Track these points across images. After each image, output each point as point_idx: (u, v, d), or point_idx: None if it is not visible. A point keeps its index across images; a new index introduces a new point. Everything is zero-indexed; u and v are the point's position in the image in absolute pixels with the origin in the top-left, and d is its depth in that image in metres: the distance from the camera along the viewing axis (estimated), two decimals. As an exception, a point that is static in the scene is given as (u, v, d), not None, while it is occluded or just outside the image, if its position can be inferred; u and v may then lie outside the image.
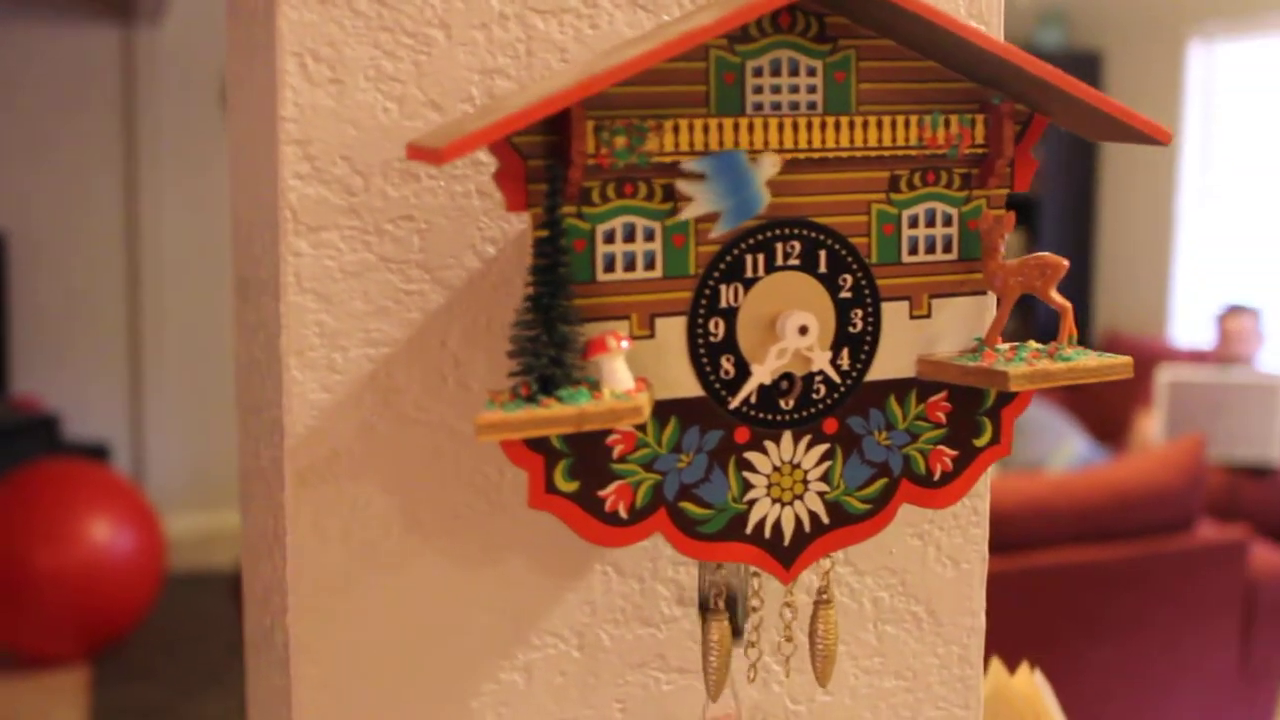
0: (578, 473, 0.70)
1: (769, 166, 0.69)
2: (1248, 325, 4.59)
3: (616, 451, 0.70)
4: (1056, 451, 4.25)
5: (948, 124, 0.73)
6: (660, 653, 0.84)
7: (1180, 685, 3.21)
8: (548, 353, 0.66)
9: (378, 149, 0.76)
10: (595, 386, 0.67)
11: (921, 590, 0.89)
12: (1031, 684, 1.11)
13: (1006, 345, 0.76)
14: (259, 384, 0.90)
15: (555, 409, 0.65)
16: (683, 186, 0.69)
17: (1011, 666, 1.11)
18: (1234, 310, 4.66)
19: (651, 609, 0.84)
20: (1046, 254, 0.75)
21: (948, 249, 0.75)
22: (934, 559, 0.89)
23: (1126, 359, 0.75)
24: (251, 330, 0.94)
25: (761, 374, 0.72)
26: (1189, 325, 5.47)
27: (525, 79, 0.78)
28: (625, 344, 0.67)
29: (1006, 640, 1.32)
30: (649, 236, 0.70)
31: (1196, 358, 4.76)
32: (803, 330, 0.71)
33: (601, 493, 0.70)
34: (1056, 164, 5.93)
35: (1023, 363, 0.73)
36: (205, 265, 5.82)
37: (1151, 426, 4.39)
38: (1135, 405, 4.65)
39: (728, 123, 0.69)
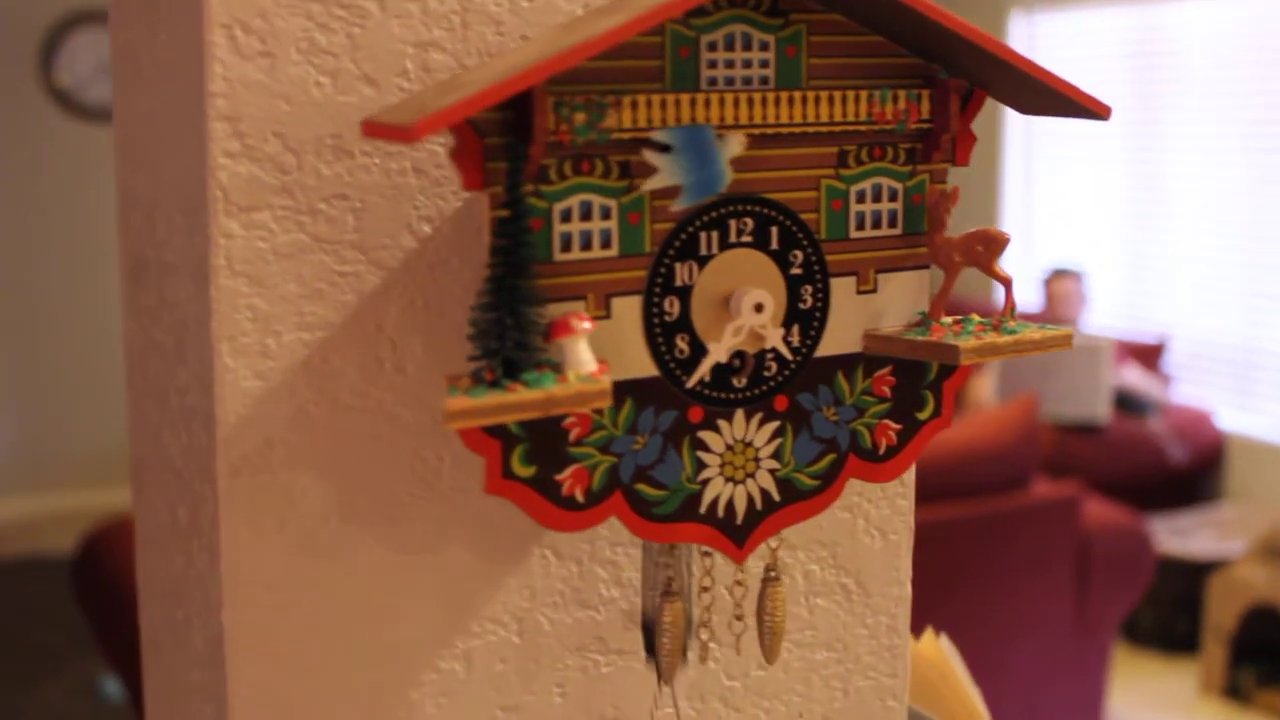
0: (534, 457, 0.68)
1: (735, 145, 0.68)
2: (1072, 288, 4.75)
3: (573, 435, 0.69)
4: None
5: (896, 99, 0.73)
6: (599, 635, 0.83)
7: (1020, 638, 3.31)
8: (512, 336, 0.64)
9: (310, 125, 0.73)
10: (558, 369, 0.65)
11: (851, 562, 0.90)
12: (938, 649, 1.13)
13: (950, 319, 0.76)
14: (163, 369, 0.86)
15: (522, 394, 0.63)
16: (649, 157, 0.67)
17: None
18: (1058, 273, 4.81)
19: (590, 591, 0.83)
20: (989, 228, 0.75)
21: (893, 224, 0.75)
22: (863, 530, 0.90)
23: (1067, 331, 0.76)
24: (150, 313, 0.89)
25: (718, 352, 0.71)
26: (1016, 288, 5.64)
27: (460, 52, 0.76)
28: (588, 325, 0.66)
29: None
30: (605, 215, 0.68)
31: (1023, 320, 4.90)
32: (758, 308, 0.71)
33: (558, 477, 0.69)
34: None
35: (970, 336, 0.74)
36: (29, 243, 5.59)
37: (985, 388, 4.51)
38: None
39: (684, 98, 0.68)
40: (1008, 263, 0.75)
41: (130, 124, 0.93)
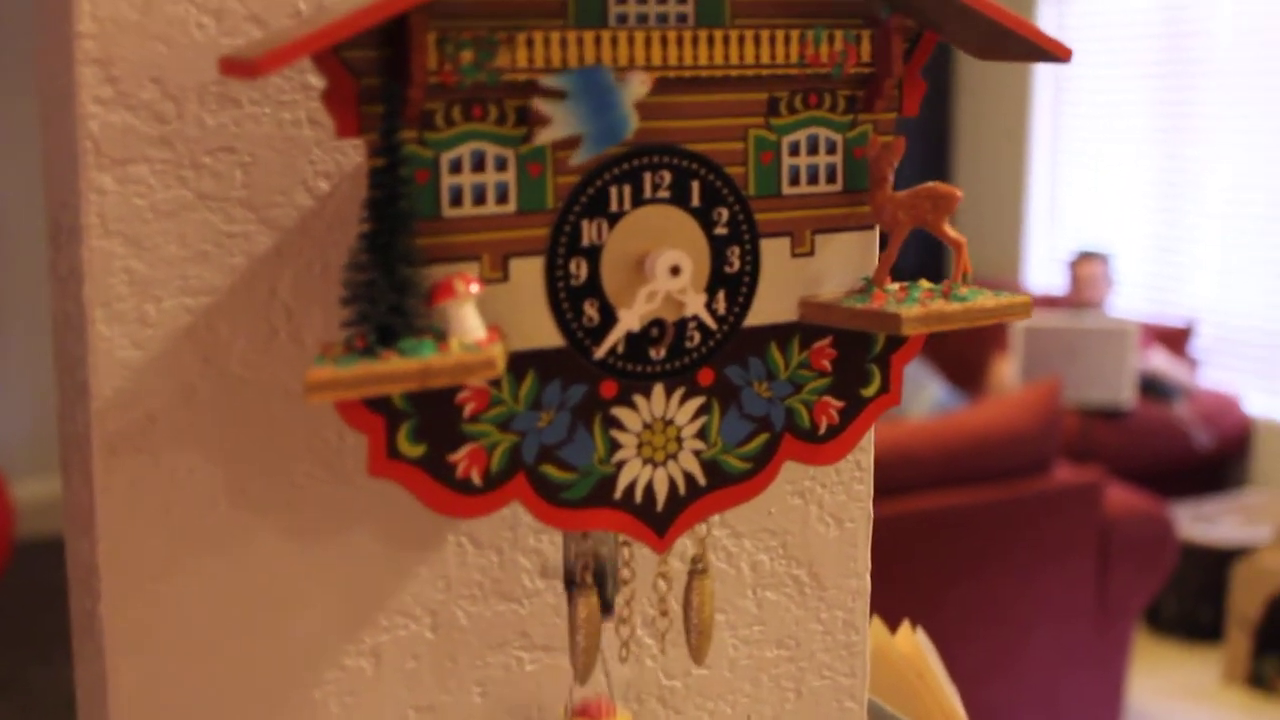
0: (424, 435, 0.61)
1: (638, 86, 0.60)
2: (1098, 271, 4.63)
3: (468, 410, 0.61)
4: (916, 398, 4.24)
5: (831, 40, 0.65)
6: (523, 630, 0.76)
7: (1040, 625, 3.23)
8: (386, 299, 0.57)
9: (192, 70, 0.66)
10: (441, 337, 0.58)
11: (803, 552, 0.82)
12: (914, 643, 1.05)
13: (896, 285, 0.68)
14: (73, 341, 0.79)
15: (395, 363, 0.56)
16: (540, 105, 0.60)
17: (883, 615, 1.04)
18: (1085, 256, 4.70)
19: (512, 583, 0.75)
20: (937, 184, 0.67)
21: (831, 179, 0.67)
22: (816, 518, 0.82)
23: (1025, 298, 0.68)
24: (63, 282, 0.83)
25: (629, 320, 0.63)
26: (1042, 271, 5.52)
27: (359, -8, 0.68)
28: (475, 288, 0.58)
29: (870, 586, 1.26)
30: (500, 166, 0.61)
31: (1049, 303, 4.79)
32: (674, 270, 0.63)
33: (452, 457, 0.61)
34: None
35: (915, 304, 0.66)
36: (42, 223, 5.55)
37: (1007, 371, 4.41)
38: (991, 351, 4.67)
39: (588, 36, 0.61)
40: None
41: (43, 72, 0.86)
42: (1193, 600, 4.02)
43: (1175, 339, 4.61)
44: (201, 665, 0.70)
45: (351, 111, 0.58)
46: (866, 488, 0.83)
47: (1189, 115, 4.83)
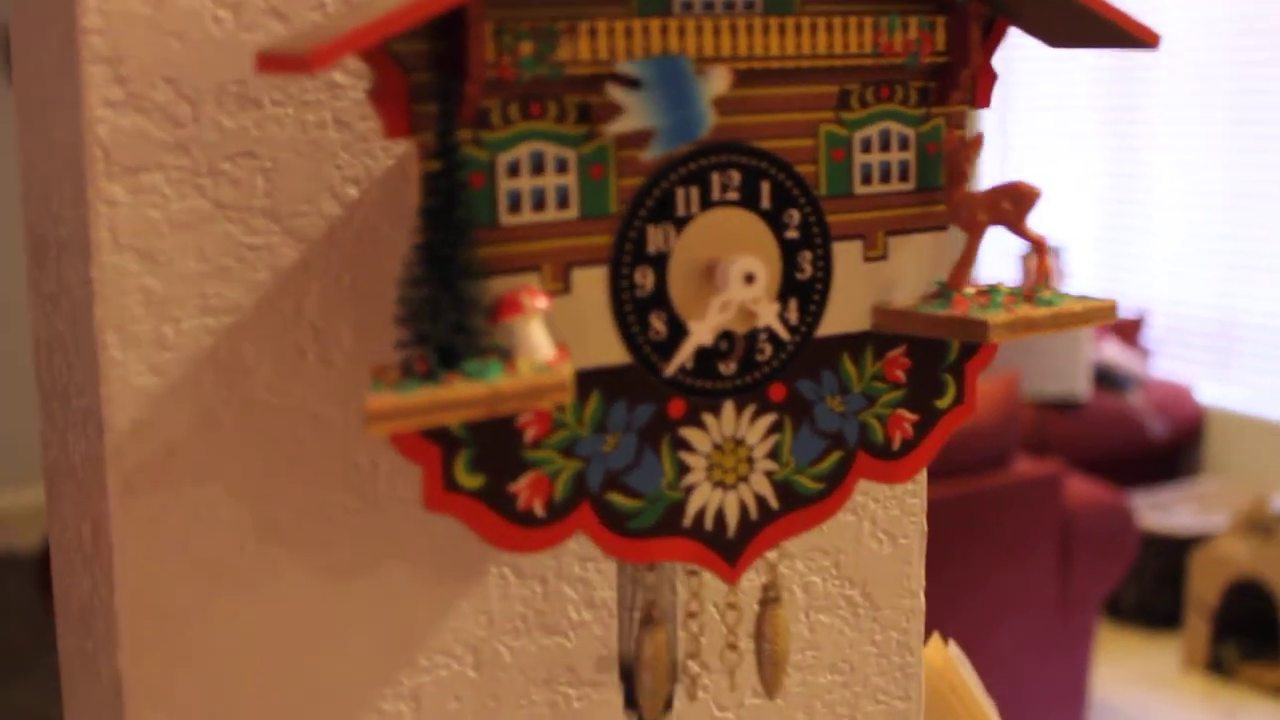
0: (483, 465, 0.55)
1: (719, 81, 0.55)
2: (1049, 264, 4.63)
3: (529, 436, 0.56)
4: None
5: (905, 27, 0.60)
6: (569, 664, 0.70)
7: (1004, 618, 3.21)
8: (449, 317, 0.51)
9: (210, 68, 0.60)
10: (506, 357, 0.52)
11: (856, 571, 0.77)
12: (945, 656, 1.00)
13: (973, 289, 0.63)
14: (64, 364, 0.73)
15: (461, 388, 0.50)
16: (614, 94, 0.54)
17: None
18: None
19: (557, 615, 0.70)
20: (1019, 181, 0.62)
21: (904, 177, 0.62)
22: (869, 534, 0.77)
23: (1111, 302, 0.63)
24: (51, 300, 0.76)
25: (701, 333, 0.58)
26: (993, 264, 5.51)
27: (388, -18, 0.62)
28: (543, 303, 0.53)
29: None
30: (561, 168, 0.55)
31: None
32: (749, 278, 0.58)
33: (512, 487, 0.56)
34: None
35: (1000, 309, 0.61)
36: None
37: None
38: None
39: (654, 25, 0.55)
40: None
41: (25, 80, 0.79)
42: (1152, 588, 4.02)
43: (1127, 330, 4.61)
44: (228, 713, 0.63)
45: (402, 109, 0.52)
46: (920, 500, 0.78)
47: (1138, 106, 4.84)
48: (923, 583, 0.80)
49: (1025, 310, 0.61)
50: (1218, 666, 3.78)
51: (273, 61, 0.49)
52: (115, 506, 0.61)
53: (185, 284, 0.60)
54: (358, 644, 0.66)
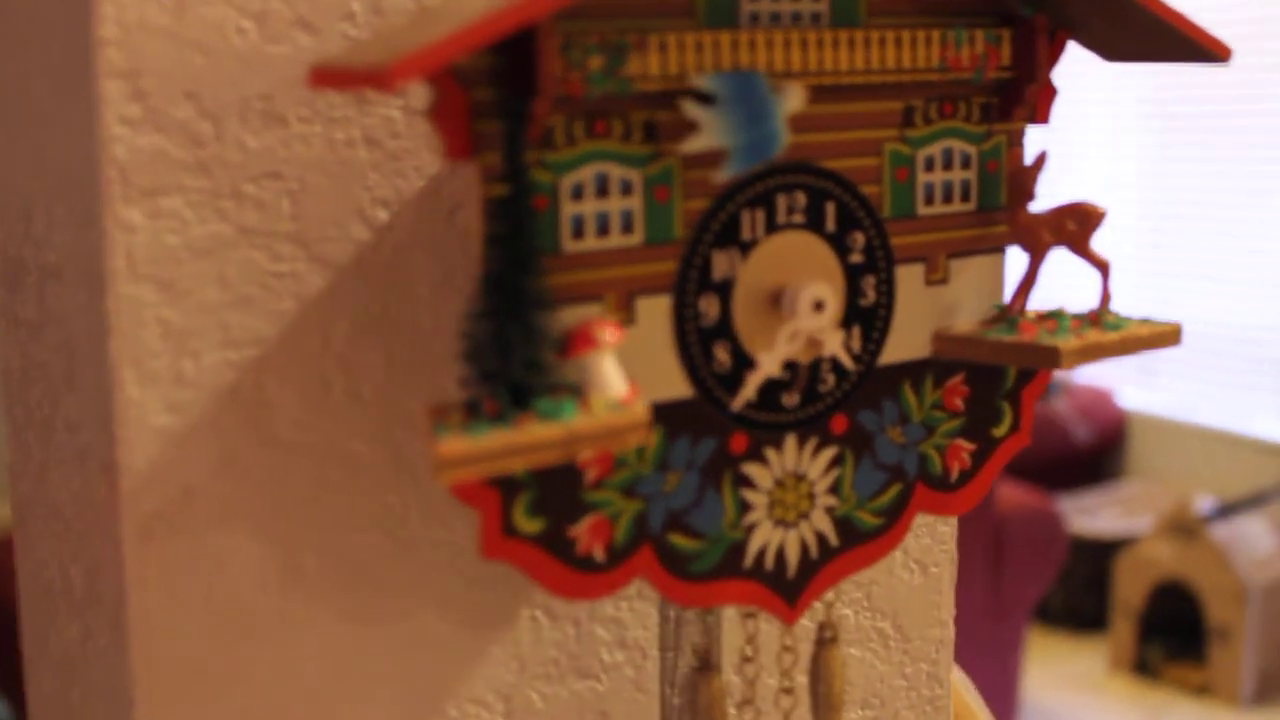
0: (543, 508, 0.51)
1: (794, 98, 0.51)
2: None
3: (591, 476, 0.52)
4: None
5: (972, 41, 0.57)
6: (602, 709, 0.66)
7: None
8: (521, 353, 0.47)
9: (233, 82, 0.55)
10: (577, 394, 0.48)
11: (887, 603, 0.74)
12: (954, 684, 0.97)
13: (1034, 313, 0.60)
14: (46, 396, 0.67)
15: (536, 430, 0.46)
16: (689, 110, 0.50)
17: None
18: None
19: (589, 657, 0.66)
20: (1083, 201, 0.59)
21: (966, 197, 0.59)
22: (900, 565, 0.74)
23: (1175, 326, 0.60)
24: (29, 327, 0.70)
25: (770, 364, 0.54)
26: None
27: (419, -9, 0.58)
28: (616, 335, 0.49)
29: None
30: (625, 190, 0.51)
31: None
32: (818, 306, 0.54)
33: (572, 531, 0.52)
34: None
35: (1070, 334, 0.58)
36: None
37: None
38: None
39: (724, 38, 0.51)
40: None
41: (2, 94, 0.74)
42: (1079, 592, 4.05)
43: (1048, 336, 4.64)
44: (250, 776, 0.59)
45: (464, 128, 0.48)
46: (950, 528, 0.75)
47: (1064, 113, 4.88)
48: (953, 611, 0.77)
49: (1094, 335, 0.58)
50: (1143, 668, 3.81)
51: (336, 77, 0.44)
52: (130, 553, 0.56)
53: (205, 315, 0.56)
54: (386, 693, 0.61)
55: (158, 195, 0.54)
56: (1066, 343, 0.57)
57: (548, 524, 0.51)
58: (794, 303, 0.54)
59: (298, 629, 0.59)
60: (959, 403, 0.60)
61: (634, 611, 0.66)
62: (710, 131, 0.50)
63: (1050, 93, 0.60)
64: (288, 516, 0.58)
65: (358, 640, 0.60)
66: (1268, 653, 3.69)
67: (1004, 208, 0.60)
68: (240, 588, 0.58)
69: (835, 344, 0.56)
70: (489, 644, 0.63)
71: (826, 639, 0.61)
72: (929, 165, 0.58)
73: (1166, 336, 0.60)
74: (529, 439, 0.45)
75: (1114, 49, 0.60)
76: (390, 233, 0.59)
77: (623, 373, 0.49)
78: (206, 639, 0.57)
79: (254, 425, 0.57)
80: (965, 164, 0.59)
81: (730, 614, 0.63)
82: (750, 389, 0.54)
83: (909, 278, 0.58)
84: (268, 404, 0.57)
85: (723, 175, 0.51)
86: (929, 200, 0.58)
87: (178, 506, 0.56)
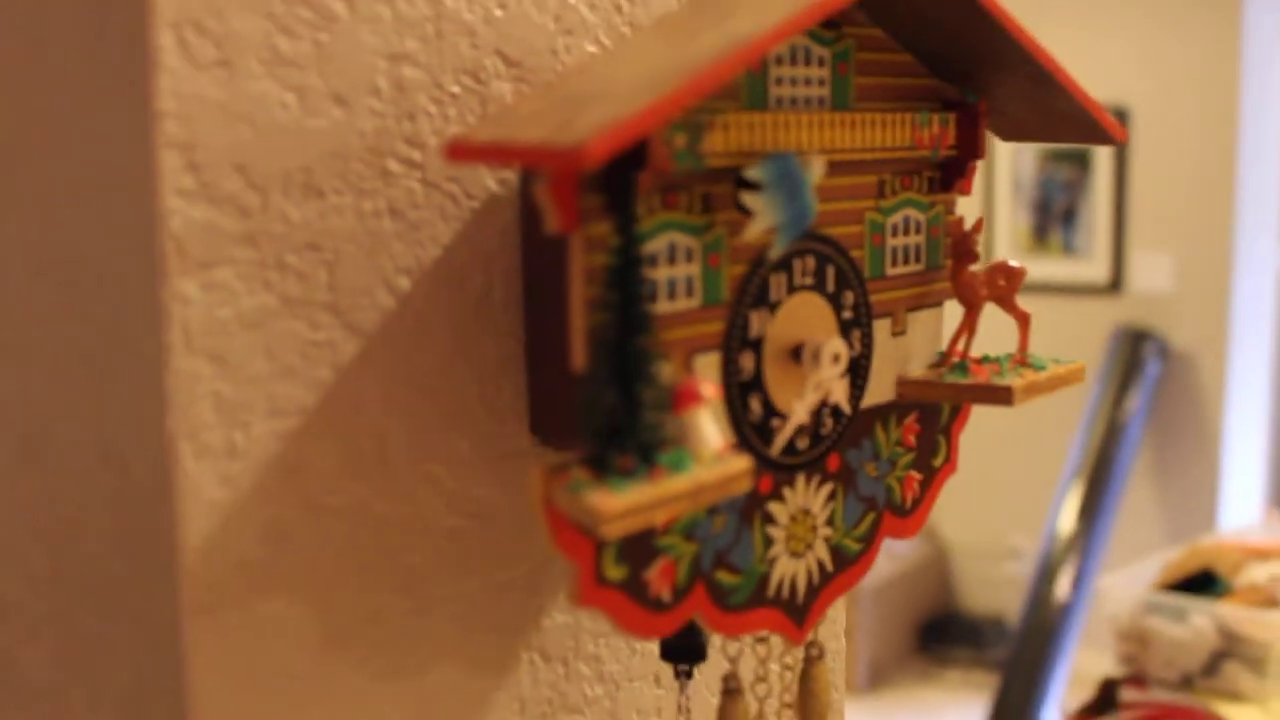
0: (626, 556, 0.53)
1: (818, 171, 0.56)
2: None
3: (662, 523, 0.54)
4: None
5: (930, 123, 0.63)
6: (585, 742, 0.68)
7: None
8: (649, 413, 0.49)
9: (277, 155, 0.54)
10: (682, 447, 0.51)
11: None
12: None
13: (975, 357, 0.67)
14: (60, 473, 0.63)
15: (670, 483, 0.48)
16: (747, 200, 0.54)
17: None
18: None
19: (575, 693, 0.67)
20: (1004, 261, 0.67)
21: (918, 258, 0.65)
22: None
23: (1081, 364, 0.69)
24: None
25: (800, 413, 0.58)
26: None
27: (435, 67, 0.59)
28: (713, 392, 0.52)
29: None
30: (688, 257, 0.54)
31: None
32: (835, 359, 0.59)
33: (646, 575, 0.54)
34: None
35: (1015, 375, 0.65)
36: None
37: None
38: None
39: (766, 119, 0.55)
40: None
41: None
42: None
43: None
44: (288, 845, 0.57)
45: (573, 201, 0.49)
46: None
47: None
48: (844, 624, 0.82)
49: (1030, 375, 0.65)
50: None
51: (506, 152, 0.45)
52: (189, 630, 0.53)
53: (254, 386, 0.54)
54: (408, 749, 0.60)
55: (211, 267, 0.53)
56: (1015, 382, 0.63)
57: (629, 571, 0.53)
58: (818, 357, 0.58)
59: (334, 690, 0.58)
60: (912, 439, 0.66)
61: (609, 647, 0.68)
62: (764, 214, 0.54)
63: (975, 167, 0.67)
64: (324, 581, 0.57)
65: (384, 698, 0.59)
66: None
67: (945, 267, 0.66)
68: (282, 654, 0.56)
69: (841, 392, 0.60)
70: (495, 690, 0.64)
71: (814, 656, 0.65)
72: (895, 231, 0.63)
73: (1075, 374, 0.68)
74: (668, 492, 0.47)
75: (1018, 130, 0.68)
76: (411, 301, 0.59)
77: (716, 426, 0.51)
78: (255, 708, 0.55)
79: (297, 493, 0.56)
80: (918, 230, 0.65)
81: (715, 641, 0.66)
82: (787, 434, 0.58)
83: (881, 330, 0.63)
84: (308, 471, 0.56)
85: (776, 250, 0.55)
86: (894, 262, 0.64)
87: (229, 580, 0.54)
